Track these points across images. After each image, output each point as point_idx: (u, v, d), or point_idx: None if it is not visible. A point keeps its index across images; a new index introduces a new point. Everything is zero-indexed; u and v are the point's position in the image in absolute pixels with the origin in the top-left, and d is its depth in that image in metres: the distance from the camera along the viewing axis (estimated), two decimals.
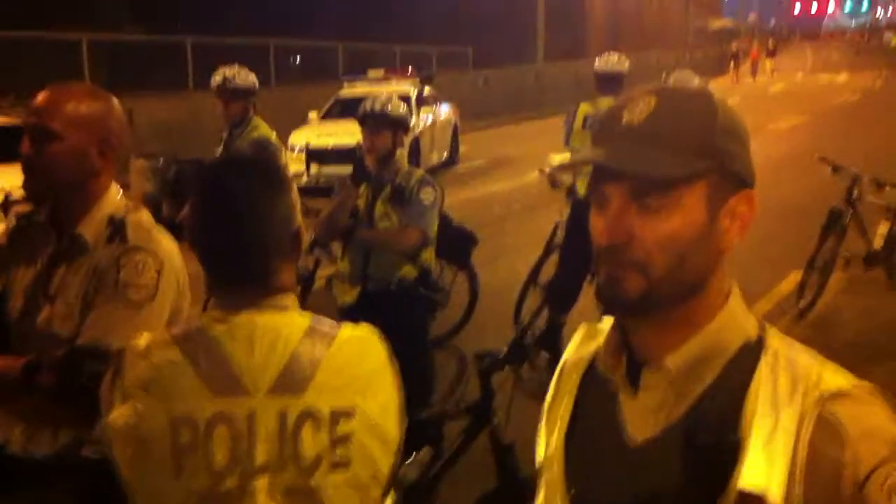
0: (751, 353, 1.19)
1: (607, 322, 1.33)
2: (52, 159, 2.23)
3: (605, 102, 6.69)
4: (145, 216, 2.34)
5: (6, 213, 8.19)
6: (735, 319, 1.22)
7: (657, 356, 1.21)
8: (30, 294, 2.29)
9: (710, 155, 1.16)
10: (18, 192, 8.53)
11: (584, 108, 6.81)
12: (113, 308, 2.17)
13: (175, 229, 2.48)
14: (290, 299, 1.80)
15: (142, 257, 2.22)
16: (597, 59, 6.91)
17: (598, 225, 1.20)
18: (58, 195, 2.31)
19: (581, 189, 6.59)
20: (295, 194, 1.82)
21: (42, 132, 2.23)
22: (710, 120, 1.18)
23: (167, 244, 2.30)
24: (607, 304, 1.21)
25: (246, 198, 1.74)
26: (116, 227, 2.27)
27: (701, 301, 1.20)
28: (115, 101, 2.35)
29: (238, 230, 1.74)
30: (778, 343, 1.21)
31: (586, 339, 1.40)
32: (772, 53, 42.41)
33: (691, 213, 1.16)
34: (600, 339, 1.33)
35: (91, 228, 2.28)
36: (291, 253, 1.80)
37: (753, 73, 39.65)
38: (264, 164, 1.82)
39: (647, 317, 1.21)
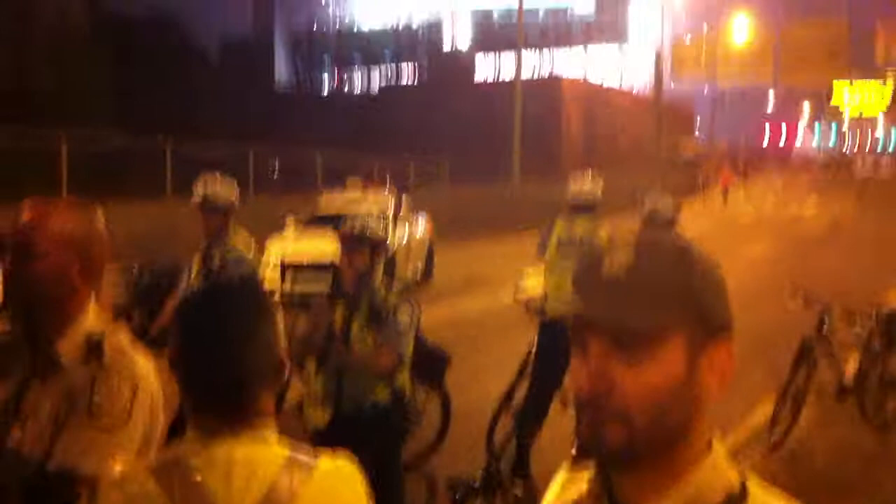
0: None
1: (586, 469, 1.32)
2: (33, 276, 2.20)
3: (581, 223, 6.84)
4: (123, 336, 2.30)
5: None
6: (718, 470, 1.22)
7: None
8: (0, 414, 2.23)
9: (688, 307, 1.19)
10: None
11: (560, 226, 6.93)
12: (85, 432, 2.12)
13: (146, 339, 2.45)
14: (270, 427, 1.77)
15: (116, 380, 2.18)
16: (571, 183, 7.03)
17: (579, 373, 1.21)
18: (35, 312, 2.26)
19: (549, 311, 6.64)
20: (280, 320, 1.80)
21: (24, 249, 2.20)
22: (688, 272, 1.20)
23: (143, 365, 2.25)
24: (589, 452, 1.22)
25: (229, 324, 1.73)
26: (93, 347, 2.22)
27: (683, 450, 1.21)
28: (100, 217, 2.34)
29: (220, 357, 1.72)
30: (761, 494, 1.22)
31: (567, 484, 1.39)
32: (743, 174, 43.28)
33: (671, 363, 1.18)
34: (581, 486, 1.32)
35: (67, 347, 2.23)
36: (274, 381, 1.78)
37: (724, 195, 40.09)
38: (250, 289, 1.81)
39: (630, 466, 1.21)
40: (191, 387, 1.75)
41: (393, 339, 4.37)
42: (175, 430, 2.08)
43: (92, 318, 2.30)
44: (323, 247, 13.35)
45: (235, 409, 1.73)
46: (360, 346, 4.41)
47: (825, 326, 7.31)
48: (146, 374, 2.24)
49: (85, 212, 2.30)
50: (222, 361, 1.72)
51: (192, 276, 5.73)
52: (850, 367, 7.59)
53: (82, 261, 2.25)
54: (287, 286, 14.34)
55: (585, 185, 6.99)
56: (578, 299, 1.22)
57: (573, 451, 1.33)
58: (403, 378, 4.52)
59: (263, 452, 1.73)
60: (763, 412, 7.60)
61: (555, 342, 6.58)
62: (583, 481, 1.32)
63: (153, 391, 2.24)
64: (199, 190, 5.62)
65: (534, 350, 6.79)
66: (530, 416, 6.53)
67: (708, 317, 1.20)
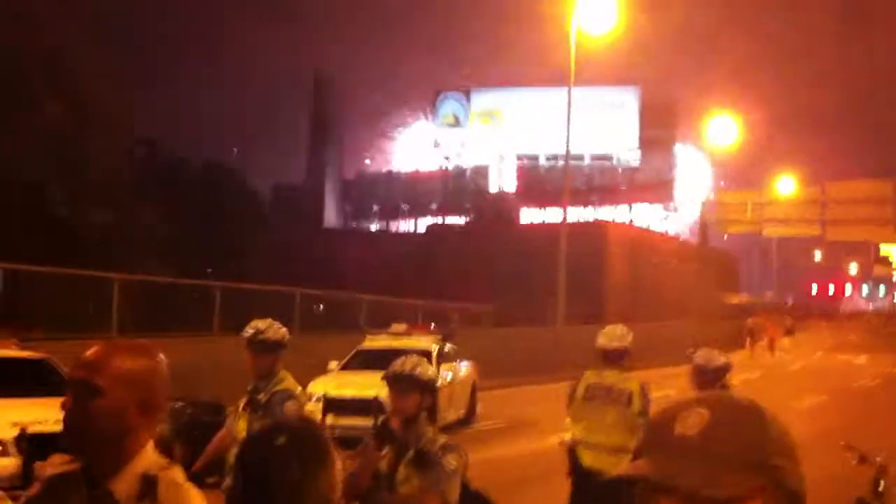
0: None
1: None
2: (93, 414, 2.25)
3: (607, 374, 6.80)
4: (178, 474, 2.32)
5: (21, 448, 8.09)
6: None
7: None
8: None
9: (764, 472, 1.15)
10: (34, 427, 8.51)
11: (589, 378, 6.90)
12: None
13: (187, 473, 2.46)
14: None
15: None
16: (600, 335, 7.03)
17: None
18: (93, 449, 2.30)
19: (585, 460, 6.56)
20: (338, 469, 1.80)
21: (86, 387, 2.26)
22: (762, 436, 1.18)
23: (198, 501, 2.26)
24: None
25: (288, 472, 1.73)
26: (148, 485, 2.25)
27: None
28: (162, 358, 2.40)
29: (278, 502, 1.72)
30: None
31: None
32: (789, 332, 42.13)
33: None
34: None
35: (123, 485, 2.26)
36: None
37: (771, 349, 39.31)
38: (309, 436, 1.83)
39: None
40: None
41: (438, 484, 4.31)
42: None
43: (149, 456, 2.32)
44: (366, 384, 13.34)
45: None
46: (405, 490, 4.35)
47: (881, 486, 7.08)
48: None
49: (146, 353, 2.37)
50: None
51: (239, 412, 5.75)
52: None
53: (142, 402, 2.29)
54: (328, 422, 14.26)
55: (615, 335, 6.99)
56: (648, 461, 1.19)
57: None
58: None
59: None
60: None
61: (587, 492, 6.50)
62: None
63: None
64: (250, 329, 5.72)
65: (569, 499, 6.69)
66: None
67: (783, 483, 1.17)
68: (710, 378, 6.67)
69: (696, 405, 1.20)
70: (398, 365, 4.52)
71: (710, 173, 61.82)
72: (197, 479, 5.55)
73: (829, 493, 9.47)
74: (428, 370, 4.55)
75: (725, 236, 58.34)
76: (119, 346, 2.35)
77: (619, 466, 1.27)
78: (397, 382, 4.47)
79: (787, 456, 1.19)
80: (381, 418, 4.71)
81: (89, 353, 2.31)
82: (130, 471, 2.28)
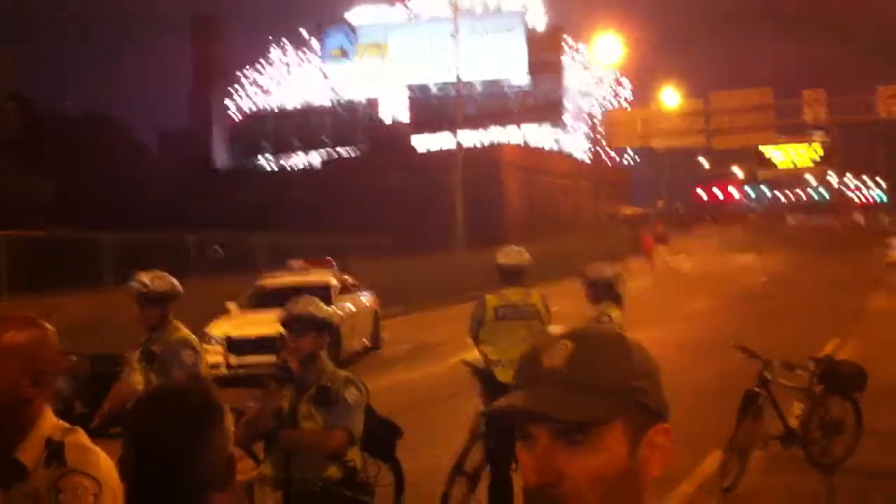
0: None
1: None
2: None
3: (510, 293, 6.91)
4: (82, 437, 2.34)
5: None
6: None
7: None
8: None
9: (628, 395, 1.23)
10: None
11: (492, 300, 6.98)
12: None
13: (87, 427, 2.48)
14: None
15: (79, 480, 2.22)
16: (498, 254, 7.14)
17: (527, 463, 1.24)
18: None
19: (501, 377, 6.65)
20: (229, 422, 1.81)
21: None
22: (625, 362, 1.26)
23: (105, 464, 2.30)
24: None
25: (177, 436, 1.73)
26: (54, 450, 2.27)
27: None
28: (48, 327, 2.40)
29: (171, 468, 1.72)
30: None
31: None
32: (662, 239, 40.97)
33: (614, 448, 1.22)
34: None
35: (29, 454, 2.28)
36: (226, 483, 1.78)
37: (649, 259, 38.20)
38: (197, 396, 1.82)
39: None
40: (141, 490, 1.75)
41: (342, 418, 4.36)
42: None
43: (50, 421, 2.35)
44: (267, 323, 13.27)
45: None
46: (308, 426, 4.39)
47: (766, 378, 7.48)
48: (108, 470, 2.27)
49: (31, 324, 2.37)
50: (174, 470, 1.72)
51: (133, 366, 5.68)
52: (794, 414, 7.74)
53: (33, 372, 2.30)
54: (232, 362, 14.21)
55: (512, 252, 7.11)
56: (520, 394, 1.25)
57: None
58: (354, 455, 4.51)
59: None
60: (712, 461, 7.69)
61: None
62: None
63: (115, 486, 2.26)
64: (135, 282, 5.62)
65: (483, 422, 6.79)
66: (496, 494, 6.52)
67: (646, 404, 1.25)
68: (602, 290, 6.88)
69: (561, 338, 1.28)
70: (293, 306, 4.53)
71: (598, 91, 62.65)
72: (97, 433, 5.50)
73: (722, 388, 9.95)
74: (322, 309, 4.57)
75: (611, 152, 59.28)
76: (4, 322, 2.34)
77: None
78: (292, 323, 4.48)
79: (649, 379, 1.27)
80: (283, 356, 4.72)
81: None
82: (33, 439, 2.30)
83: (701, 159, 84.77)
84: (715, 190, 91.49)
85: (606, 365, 1.24)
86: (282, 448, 4.41)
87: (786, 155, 57.50)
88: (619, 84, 61.75)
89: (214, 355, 13.98)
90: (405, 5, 58.59)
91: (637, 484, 1.25)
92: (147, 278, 5.60)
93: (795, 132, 53.18)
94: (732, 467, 7.21)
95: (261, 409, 4.46)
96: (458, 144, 33.23)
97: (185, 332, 5.68)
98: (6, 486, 2.25)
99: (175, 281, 5.73)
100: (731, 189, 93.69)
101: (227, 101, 60.02)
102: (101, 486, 2.23)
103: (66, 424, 2.37)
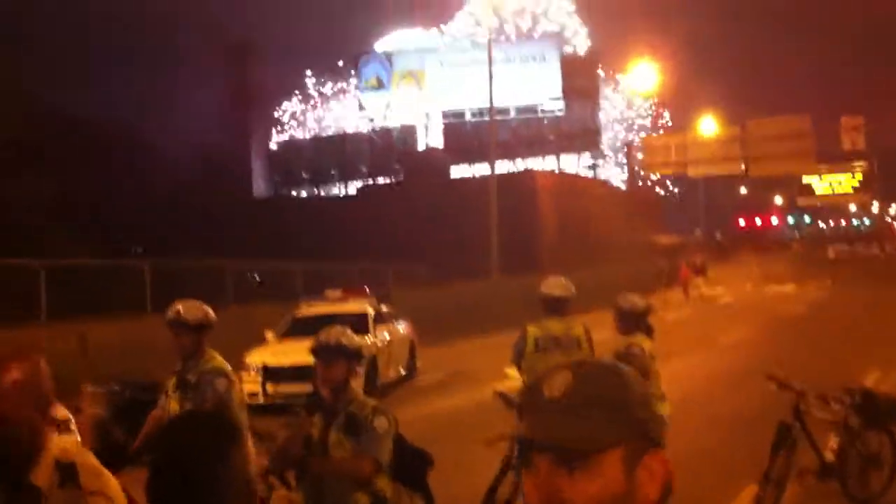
0: None
1: None
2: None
3: (552, 324, 6.93)
4: (91, 457, 2.43)
5: None
6: None
7: None
8: None
9: (625, 424, 1.31)
10: None
11: (533, 331, 7.02)
12: None
13: (126, 454, 2.57)
14: None
15: (96, 499, 2.33)
16: (542, 284, 7.17)
17: (530, 490, 1.32)
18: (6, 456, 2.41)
19: None
20: (249, 447, 1.90)
21: None
22: (622, 392, 1.33)
23: (115, 483, 2.38)
24: None
25: (205, 455, 1.81)
26: (67, 472, 2.34)
27: None
28: (38, 356, 2.52)
29: (191, 485, 1.80)
30: None
31: None
32: (700, 270, 39.82)
33: (611, 474, 1.29)
34: None
35: (41, 476, 2.37)
36: (245, 502, 1.87)
37: (685, 291, 37.35)
38: (216, 420, 1.92)
39: None
40: None
41: (370, 447, 4.42)
42: None
43: (55, 443, 2.47)
44: (304, 351, 13.31)
45: None
46: (338, 454, 4.45)
47: (801, 410, 7.42)
48: (118, 489, 2.36)
49: (25, 356, 2.49)
50: (194, 487, 1.81)
51: (168, 394, 5.76)
52: (830, 447, 7.66)
53: (37, 400, 2.49)
54: (269, 391, 14.31)
55: (559, 284, 7.13)
56: (524, 423, 1.34)
57: None
58: (383, 484, 4.56)
59: None
60: (749, 495, 7.62)
61: None
62: None
63: None
64: (170, 311, 5.71)
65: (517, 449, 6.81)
66: None
67: (642, 431, 1.33)
68: (633, 321, 6.90)
69: (562, 369, 1.36)
70: (323, 335, 4.61)
71: (634, 119, 62.57)
72: (134, 460, 5.59)
73: (758, 418, 9.86)
74: (353, 339, 4.65)
75: (649, 181, 59.09)
76: (3, 358, 2.47)
77: None
78: (323, 353, 4.56)
79: (646, 408, 1.35)
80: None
81: None
82: (43, 462, 2.38)
83: (740, 188, 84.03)
84: (755, 219, 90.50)
85: (603, 394, 1.31)
86: (312, 475, 4.47)
87: (826, 182, 56.96)
88: (656, 112, 61.68)
89: (252, 384, 14.10)
90: (440, 29, 59.08)
91: None
92: (182, 307, 5.69)
93: (836, 159, 52.72)
94: (768, 501, 7.15)
95: (290, 436, 4.53)
96: (492, 167, 33.28)
97: (220, 360, 5.76)
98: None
99: (209, 310, 5.80)
100: (772, 218, 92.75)
101: (263, 130, 60.68)
102: (114, 502, 2.35)
103: (71, 443, 2.47)
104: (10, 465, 2.38)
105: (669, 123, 58.99)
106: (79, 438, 3.21)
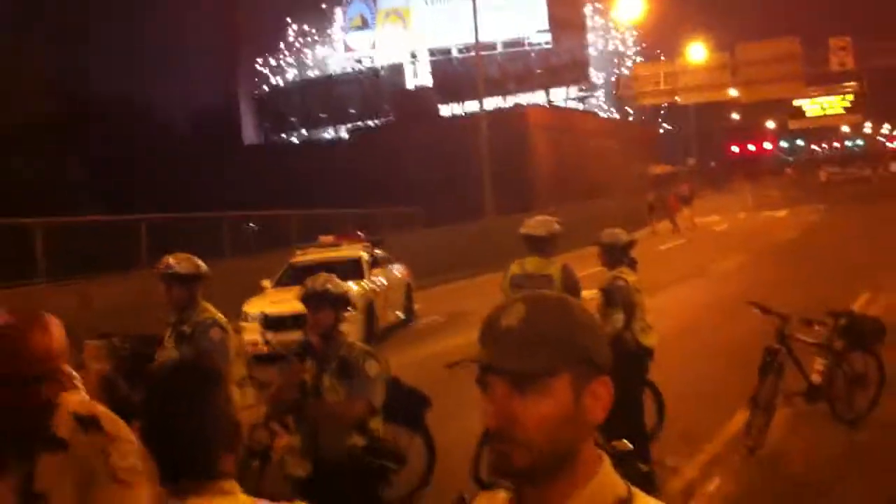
0: None
1: (501, 489, 1.57)
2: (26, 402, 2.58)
3: (530, 262, 7.04)
4: (105, 409, 2.61)
5: None
6: (608, 480, 1.49)
7: None
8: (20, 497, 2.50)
9: (571, 352, 1.46)
10: None
11: (513, 269, 7.15)
12: (112, 492, 2.51)
13: (131, 408, 2.73)
14: (231, 484, 2.02)
15: (123, 444, 2.57)
16: (524, 224, 7.28)
17: (487, 409, 1.47)
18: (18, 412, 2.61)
19: None
20: (230, 390, 2.06)
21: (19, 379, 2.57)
22: (570, 323, 1.48)
23: (128, 428, 2.58)
24: (500, 474, 1.48)
25: (186, 400, 1.97)
26: (89, 422, 2.53)
27: (578, 466, 1.47)
28: (48, 315, 2.63)
29: (182, 428, 1.97)
30: (644, 498, 1.49)
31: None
32: (686, 200, 38.49)
33: (560, 397, 1.45)
34: None
35: (62, 428, 2.57)
36: (231, 442, 2.03)
37: (673, 223, 36.16)
38: (201, 366, 2.08)
39: (535, 481, 1.47)
40: (160, 456, 2.03)
41: (362, 389, 4.60)
42: None
43: (69, 399, 2.64)
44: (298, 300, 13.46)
45: (199, 471, 2.00)
46: (331, 398, 4.63)
47: (785, 334, 7.60)
48: (135, 438, 2.55)
49: (39, 321, 2.62)
50: (182, 430, 1.99)
51: (166, 346, 5.91)
52: (817, 369, 7.86)
53: (45, 371, 2.60)
54: (270, 339, 14.50)
55: (536, 223, 7.23)
56: (481, 349, 1.49)
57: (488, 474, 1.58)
58: (377, 424, 4.75)
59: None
60: (740, 421, 7.84)
61: None
62: (499, 500, 1.57)
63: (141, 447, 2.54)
64: (161, 264, 5.83)
65: None
66: None
67: (589, 359, 1.48)
68: (616, 254, 7.04)
69: (517, 302, 1.51)
70: (310, 283, 4.77)
71: (621, 48, 62.12)
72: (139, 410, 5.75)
73: (750, 346, 10.04)
74: (339, 285, 4.80)
75: (641, 114, 58.82)
76: (21, 323, 2.59)
77: None
78: (311, 300, 4.73)
79: (591, 336, 1.50)
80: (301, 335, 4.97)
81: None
82: (62, 415, 2.54)
83: (732, 114, 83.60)
84: (748, 145, 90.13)
85: (553, 324, 1.47)
86: (308, 419, 4.66)
87: (817, 105, 56.71)
88: (641, 43, 61.20)
89: (252, 333, 14.30)
90: None
91: (581, 427, 1.47)
92: (173, 259, 5.81)
93: (827, 81, 52.41)
94: (756, 425, 7.35)
95: (284, 383, 4.71)
96: (481, 104, 33.13)
97: (213, 311, 5.89)
98: (49, 457, 2.53)
99: (200, 262, 5.90)
100: (764, 143, 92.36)
101: (250, 77, 60.18)
102: (136, 445, 2.53)
103: (80, 396, 2.64)
104: (33, 419, 2.56)
105: (658, 52, 58.41)
106: (85, 394, 3.37)
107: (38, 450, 2.54)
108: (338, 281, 4.84)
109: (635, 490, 1.50)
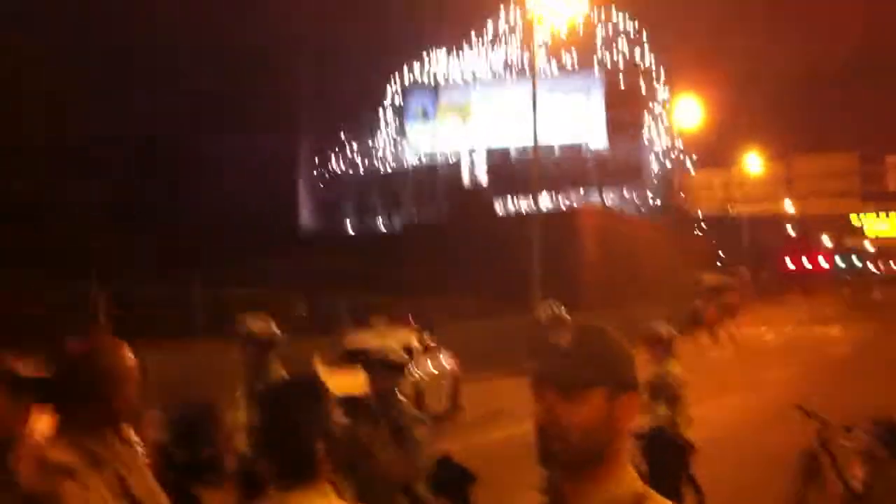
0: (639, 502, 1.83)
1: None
2: None
3: None
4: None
5: None
6: (629, 479, 1.86)
7: (581, 502, 1.85)
8: None
9: (607, 370, 1.85)
10: None
11: None
12: None
13: (190, 474, 3.02)
14: (328, 487, 2.41)
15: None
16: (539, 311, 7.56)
17: (538, 411, 1.86)
18: None
19: None
20: (334, 406, 2.40)
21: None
22: (606, 347, 1.88)
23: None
24: (545, 463, 1.87)
25: (294, 410, 2.37)
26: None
27: (605, 465, 1.84)
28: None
29: (289, 435, 2.35)
30: (660, 499, 1.85)
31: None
32: (731, 313, 37.62)
33: (596, 405, 1.84)
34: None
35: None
36: (329, 451, 2.41)
37: (713, 337, 34.29)
38: (307, 381, 2.52)
39: (573, 473, 1.85)
40: (269, 457, 2.39)
41: (411, 452, 4.90)
42: None
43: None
44: (350, 381, 13.66)
45: (301, 472, 2.37)
46: (383, 457, 4.93)
47: (825, 439, 7.66)
48: None
49: (114, 349, 3.00)
50: (290, 437, 2.37)
51: (237, 401, 6.16)
52: (857, 476, 7.86)
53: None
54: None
55: (547, 312, 7.59)
56: (536, 363, 1.89)
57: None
58: (422, 488, 5.02)
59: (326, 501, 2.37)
60: None
61: None
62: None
63: None
64: (241, 325, 6.11)
65: None
66: None
67: (620, 376, 1.86)
68: (664, 348, 7.27)
69: (567, 330, 1.92)
70: (371, 353, 5.14)
71: (678, 155, 62.54)
72: (197, 476, 6.01)
73: (792, 455, 10.05)
74: (396, 353, 5.17)
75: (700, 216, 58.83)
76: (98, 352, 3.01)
77: None
78: (370, 367, 5.07)
79: (621, 359, 1.89)
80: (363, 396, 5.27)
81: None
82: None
83: (787, 226, 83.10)
84: (803, 258, 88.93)
85: (594, 346, 1.86)
86: (361, 475, 4.92)
87: (874, 223, 56.36)
88: (696, 150, 61.62)
89: None
90: (486, 58, 59.60)
91: (611, 431, 1.84)
92: (251, 321, 6.11)
93: (884, 199, 52.15)
94: None
95: (342, 441, 4.98)
96: (536, 204, 33.68)
97: (285, 373, 6.15)
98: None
99: (275, 326, 6.22)
100: (820, 259, 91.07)
101: (310, 163, 61.41)
102: None
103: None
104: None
105: (713, 159, 58.73)
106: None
107: None
108: (395, 349, 5.23)
109: (651, 491, 1.83)
